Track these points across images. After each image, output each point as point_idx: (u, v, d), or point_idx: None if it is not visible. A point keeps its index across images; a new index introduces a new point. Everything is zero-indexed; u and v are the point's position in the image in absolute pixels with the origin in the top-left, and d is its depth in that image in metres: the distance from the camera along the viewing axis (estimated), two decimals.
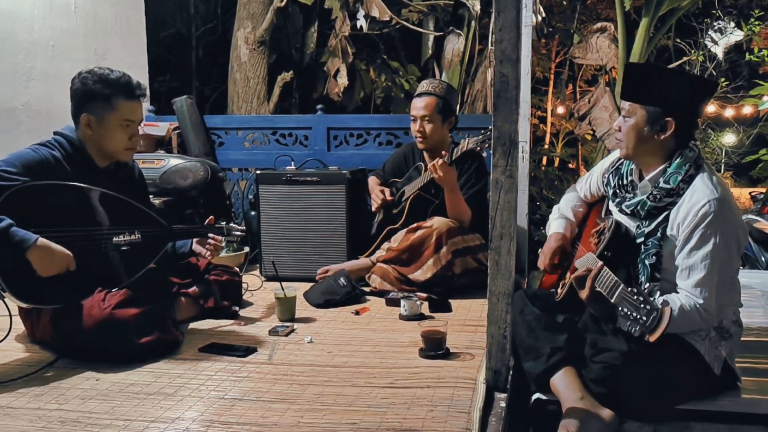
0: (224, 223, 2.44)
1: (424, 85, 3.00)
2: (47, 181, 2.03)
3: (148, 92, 2.23)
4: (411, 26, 6.90)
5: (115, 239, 2.13)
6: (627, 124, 1.86)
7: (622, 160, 2.02)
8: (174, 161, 3.32)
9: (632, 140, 1.85)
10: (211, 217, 2.45)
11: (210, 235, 2.39)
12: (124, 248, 2.14)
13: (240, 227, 2.49)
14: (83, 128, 2.15)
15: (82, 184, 2.10)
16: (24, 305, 2.00)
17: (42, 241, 1.91)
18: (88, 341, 1.96)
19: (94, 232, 2.10)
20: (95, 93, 2.12)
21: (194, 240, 2.43)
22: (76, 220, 2.06)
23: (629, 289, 1.61)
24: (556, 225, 2.17)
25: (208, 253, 2.40)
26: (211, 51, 9.29)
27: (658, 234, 1.82)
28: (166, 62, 8.48)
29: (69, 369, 1.92)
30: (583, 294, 1.77)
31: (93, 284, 2.05)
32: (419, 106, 2.93)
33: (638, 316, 1.55)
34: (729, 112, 11.26)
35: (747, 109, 10.56)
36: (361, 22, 6.07)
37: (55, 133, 2.20)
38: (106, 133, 2.15)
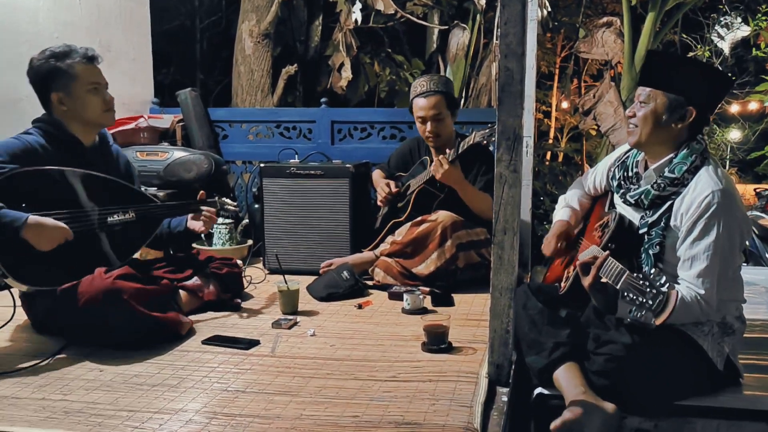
0: (217, 197, 2.43)
1: (424, 84, 2.92)
2: (35, 167, 2.04)
3: (97, 53, 2.25)
4: (415, 20, 6.86)
5: (109, 219, 2.14)
6: (644, 109, 1.84)
7: (628, 153, 2.01)
8: (178, 154, 3.32)
9: (648, 126, 1.84)
10: (202, 192, 2.45)
11: (203, 208, 2.39)
12: (118, 227, 2.15)
13: (232, 202, 2.48)
14: (57, 107, 2.16)
15: (70, 168, 2.11)
16: (26, 288, 2.02)
17: (33, 218, 1.93)
18: (90, 313, 1.95)
19: (89, 212, 2.11)
20: (52, 70, 2.13)
21: (189, 216, 2.42)
22: (69, 203, 2.08)
23: (634, 275, 1.60)
24: (561, 214, 2.19)
25: (203, 225, 2.39)
26: (215, 44, 9.27)
27: (662, 224, 1.82)
28: (170, 55, 8.47)
29: (73, 360, 1.93)
30: (587, 281, 1.77)
31: (92, 264, 2.06)
32: (428, 106, 2.87)
33: (644, 300, 1.54)
34: (735, 108, 11.20)
35: (753, 105, 10.50)
36: (356, 15, 6.04)
37: (35, 120, 2.20)
38: (79, 103, 2.16)
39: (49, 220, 1.97)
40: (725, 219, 1.72)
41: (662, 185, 1.83)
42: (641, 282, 1.57)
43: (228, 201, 2.47)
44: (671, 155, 1.85)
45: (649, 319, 1.53)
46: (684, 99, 1.80)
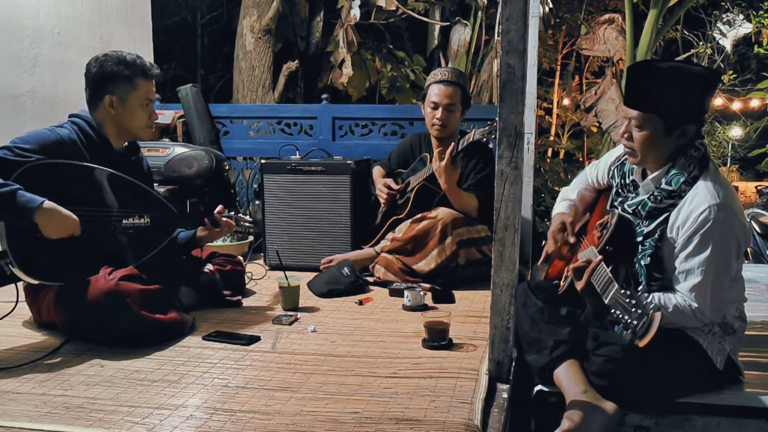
0: (233, 213, 2.44)
1: (445, 73, 2.95)
2: (62, 160, 2.06)
3: (156, 70, 2.30)
4: (417, 16, 6.87)
5: (124, 221, 2.15)
6: (641, 134, 1.77)
7: None
8: (179, 149, 3.32)
9: (648, 151, 1.79)
10: (221, 206, 2.46)
11: (223, 218, 2.40)
12: (131, 231, 2.16)
13: (248, 218, 2.49)
14: (106, 109, 2.20)
15: (95, 165, 2.13)
16: (31, 281, 2.02)
17: (48, 203, 1.93)
18: (91, 314, 1.96)
19: (105, 212, 2.12)
20: (117, 74, 2.18)
21: (198, 229, 2.43)
22: (88, 200, 2.09)
23: (622, 291, 1.57)
24: (560, 207, 2.17)
25: (210, 235, 2.39)
26: (216, 39, 9.28)
27: (656, 235, 1.79)
28: (171, 50, 8.47)
29: (74, 355, 1.93)
30: (579, 285, 1.76)
31: (99, 263, 2.07)
32: (446, 93, 2.88)
33: (629, 320, 1.50)
34: (736, 105, 11.17)
35: (754, 103, 10.48)
36: (355, 11, 6.05)
37: (72, 115, 2.23)
38: (128, 112, 2.21)
39: (63, 210, 1.97)
40: (720, 235, 1.69)
41: (659, 197, 1.80)
42: (627, 300, 1.53)
43: (244, 217, 2.48)
44: (669, 165, 1.81)
45: (633, 341, 1.50)
46: (681, 117, 1.75)
